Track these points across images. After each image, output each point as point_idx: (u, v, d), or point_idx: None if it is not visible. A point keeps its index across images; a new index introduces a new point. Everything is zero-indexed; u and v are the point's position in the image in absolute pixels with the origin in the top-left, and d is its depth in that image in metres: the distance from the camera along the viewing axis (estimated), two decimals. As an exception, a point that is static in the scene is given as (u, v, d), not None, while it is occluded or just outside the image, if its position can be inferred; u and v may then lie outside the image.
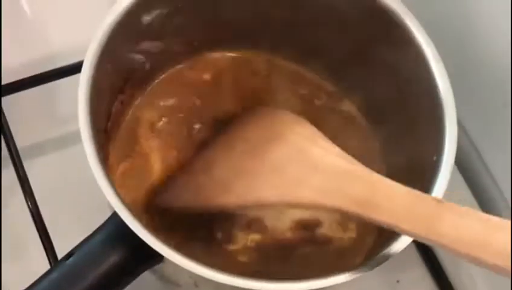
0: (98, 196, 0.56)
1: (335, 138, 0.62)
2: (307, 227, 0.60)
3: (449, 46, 0.60)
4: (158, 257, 0.51)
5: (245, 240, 0.59)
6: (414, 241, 0.71)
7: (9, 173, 0.69)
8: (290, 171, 0.51)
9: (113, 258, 0.51)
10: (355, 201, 0.48)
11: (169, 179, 0.61)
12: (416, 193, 0.48)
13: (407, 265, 0.72)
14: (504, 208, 0.75)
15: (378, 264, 0.52)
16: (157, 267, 0.54)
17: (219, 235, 0.60)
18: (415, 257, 0.73)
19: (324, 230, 0.60)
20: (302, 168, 0.51)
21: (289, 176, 0.51)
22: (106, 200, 0.54)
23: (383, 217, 0.47)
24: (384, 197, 0.47)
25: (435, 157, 0.55)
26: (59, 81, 0.73)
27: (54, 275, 0.51)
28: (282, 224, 0.60)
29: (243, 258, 0.60)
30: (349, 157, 0.52)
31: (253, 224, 0.60)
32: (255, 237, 0.59)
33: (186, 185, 0.58)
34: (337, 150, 0.52)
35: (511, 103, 0.66)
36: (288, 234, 0.60)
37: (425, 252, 0.72)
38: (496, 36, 0.66)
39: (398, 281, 0.71)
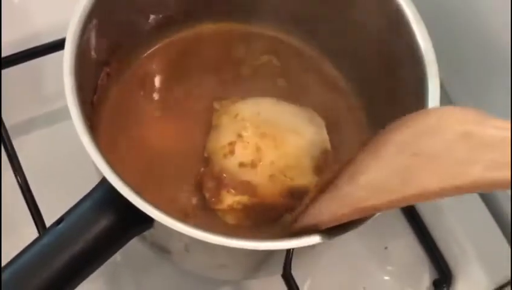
0: (87, 170, 0.57)
1: (318, 103, 0.65)
2: (294, 195, 0.61)
3: (431, 11, 0.61)
4: (148, 221, 0.51)
5: (232, 201, 0.60)
6: (401, 209, 0.73)
7: (-2, 151, 0.69)
8: (453, 156, 0.45)
9: (103, 223, 0.51)
10: None
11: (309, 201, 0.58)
12: None
13: (395, 232, 0.73)
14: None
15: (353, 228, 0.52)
16: (147, 234, 0.54)
17: (207, 195, 0.61)
18: (403, 224, 0.74)
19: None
20: (466, 149, 0.45)
21: (453, 160, 0.45)
22: (95, 171, 0.55)
23: None
24: None
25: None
26: (43, 59, 0.73)
27: (45, 240, 0.51)
28: (271, 189, 0.61)
29: (229, 219, 0.61)
30: None
31: (242, 187, 0.60)
32: (242, 198, 0.60)
33: (330, 200, 0.53)
34: (499, 121, 0.46)
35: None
36: (276, 199, 0.61)
37: (413, 219, 0.73)
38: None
39: (386, 248, 0.72)
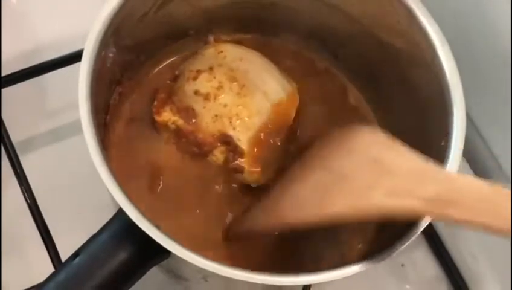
0: (95, 188, 0.55)
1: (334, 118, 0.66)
2: (226, 143, 0.61)
3: (455, 37, 0.59)
4: (166, 253, 0.50)
5: (169, 118, 0.61)
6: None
7: (5, 168, 0.68)
8: (360, 178, 0.49)
9: (120, 256, 0.50)
10: (428, 200, 0.46)
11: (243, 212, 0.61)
12: (490, 186, 0.46)
13: (410, 248, 0.71)
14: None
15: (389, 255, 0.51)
16: (164, 262, 0.53)
17: (155, 102, 0.62)
18: (419, 240, 0.72)
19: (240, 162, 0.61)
20: (373, 174, 0.48)
21: (359, 183, 0.49)
22: (104, 192, 0.53)
23: (458, 213, 0.45)
24: (457, 193, 0.46)
25: (442, 143, 0.55)
26: (48, 74, 0.72)
27: (61, 276, 0.50)
28: (209, 126, 0.61)
29: (163, 133, 0.63)
30: (421, 158, 0.50)
31: (185, 111, 0.61)
32: (178, 121, 0.61)
33: (262, 211, 0.57)
34: (409, 152, 0.50)
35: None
36: (207, 137, 0.61)
37: (430, 235, 0.72)
38: (504, 25, 0.65)
39: (402, 265, 0.71)
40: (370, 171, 0.49)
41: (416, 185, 0.47)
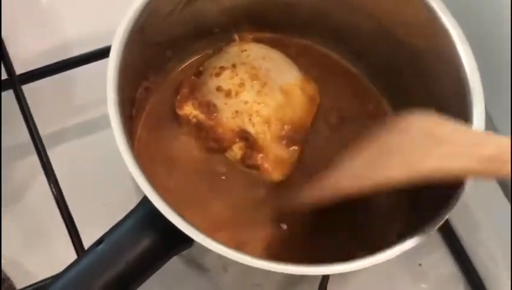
0: (121, 181, 0.57)
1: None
2: (246, 139, 0.62)
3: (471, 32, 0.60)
4: (188, 241, 0.51)
5: (190, 112, 0.63)
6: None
7: (32, 160, 0.69)
8: (415, 150, 0.52)
9: (143, 244, 0.51)
10: (484, 160, 0.49)
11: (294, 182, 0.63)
12: None
13: (428, 248, 0.72)
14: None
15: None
16: (184, 252, 0.54)
17: (178, 96, 0.64)
18: (437, 240, 0.73)
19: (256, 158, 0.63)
20: (427, 146, 0.51)
21: (414, 154, 0.52)
22: (129, 186, 0.55)
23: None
24: (507, 152, 0.49)
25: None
26: (76, 69, 0.74)
27: (85, 261, 0.51)
28: (230, 122, 0.63)
29: (183, 127, 0.64)
30: (472, 129, 0.54)
31: (206, 106, 0.63)
32: (199, 115, 0.63)
33: (313, 184, 0.58)
34: (457, 124, 0.53)
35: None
36: (227, 132, 0.63)
37: (448, 235, 0.73)
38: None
39: (420, 265, 0.72)
40: (422, 143, 0.52)
41: (469, 149, 0.50)
